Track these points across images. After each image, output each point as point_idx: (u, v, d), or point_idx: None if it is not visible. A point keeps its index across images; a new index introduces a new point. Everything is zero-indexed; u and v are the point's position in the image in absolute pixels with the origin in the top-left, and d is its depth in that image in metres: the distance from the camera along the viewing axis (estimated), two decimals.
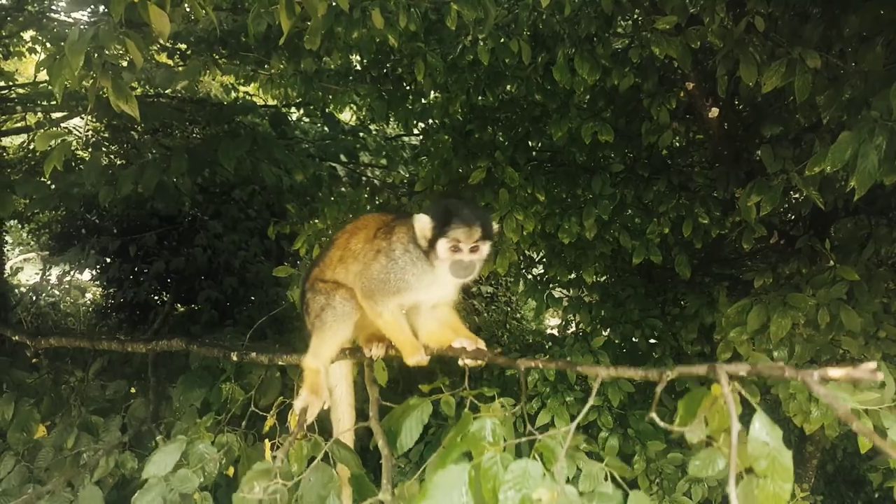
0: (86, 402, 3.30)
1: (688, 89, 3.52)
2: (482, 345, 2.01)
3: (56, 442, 3.03)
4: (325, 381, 2.14)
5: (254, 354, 2.66)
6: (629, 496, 1.45)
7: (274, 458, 1.83)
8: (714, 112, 3.51)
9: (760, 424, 1.30)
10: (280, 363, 2.63)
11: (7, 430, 3.13)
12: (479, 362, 2.00)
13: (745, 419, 1.31)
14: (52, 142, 2.46)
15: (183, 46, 5.55)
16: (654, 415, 1.46)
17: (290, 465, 1.82)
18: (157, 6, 2.12)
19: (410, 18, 3.01)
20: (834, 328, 3.00)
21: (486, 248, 1.94)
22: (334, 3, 2.82)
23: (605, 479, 1.58)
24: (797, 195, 4.16)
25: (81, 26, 2.22)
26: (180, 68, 5.44)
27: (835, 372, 1.32)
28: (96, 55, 2.17)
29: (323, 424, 2.10)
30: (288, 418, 2.14)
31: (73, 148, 2.71)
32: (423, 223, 1.95)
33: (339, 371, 2.23)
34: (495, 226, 2.02)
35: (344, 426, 2.19)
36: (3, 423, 3.15)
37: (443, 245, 1.91)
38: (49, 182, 4.60)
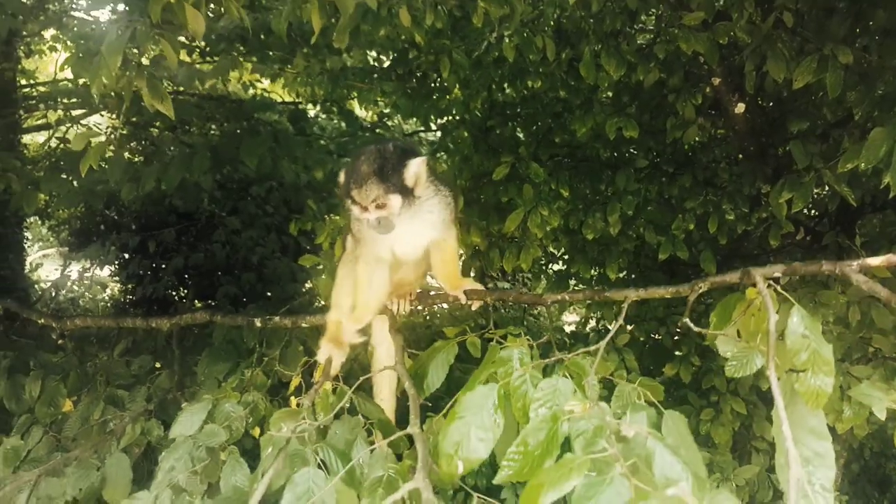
0: (111, 379, 3.31)
1: (714, 85, 3.50)
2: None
3: (83, 414, 3.05)
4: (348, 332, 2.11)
5: (277, 319, 2.65)
6: (664, 415, 1.38)
7: (299, 405, 1.85)
8: (740, 107, 3.49)
9: (799, 318, 1.27)
10: (304, 325, 2.61)
11: (34, 406, 3.17)
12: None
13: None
14: (88, 141, 2.48)
15: (202, 44, 5.57)
16: (686, 320, 1.45)
17: (316, 413, 1.81)
18: (193, 6, 2.13)
19: (437, 16, 3.01)
20: (865, 325, 2.98)
21: (395, 200, 1.81)
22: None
23: (638, 398, 1.51)
24: (818, 190, 4.13)
25: (112, 25, 2.23)
26: (199, 66, 5.47)
27: (874, 260, 1.31)
28: (134, 57, 2.18)
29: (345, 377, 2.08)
30: (313, 377, 2.12)
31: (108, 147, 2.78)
32: (340, 181, 1.90)
33: (380, 332, 2.23)
34: (417, 167, 1.83)
35: (383, 388, 2.17)
36: (31, 401, 3.18)
37: (350, 205, 1.86)
38: (72, 179, 4.65)
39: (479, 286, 2.10)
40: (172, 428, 2.02)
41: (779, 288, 1.38)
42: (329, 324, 2.15)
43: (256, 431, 2.20)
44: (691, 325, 1.39)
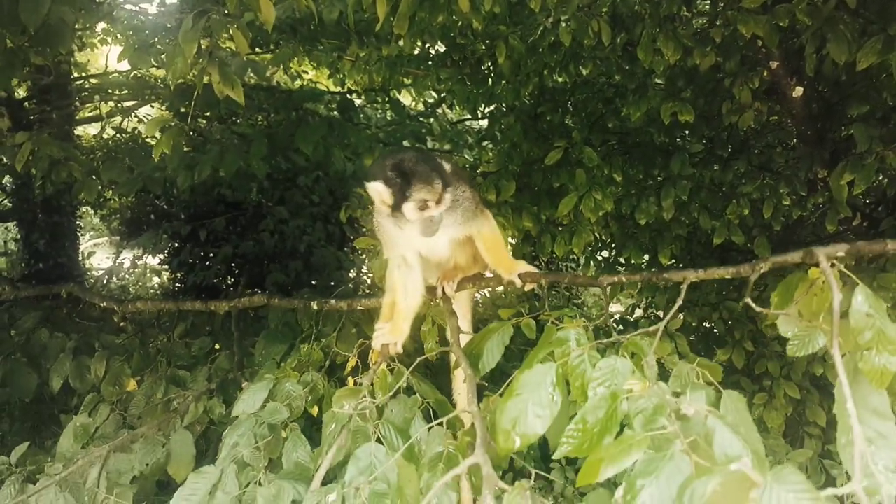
0: (172, 360, 3.41)
1: (771, 68, 3.45)
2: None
3: (146, 393, 3.15)
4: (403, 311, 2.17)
5: (332, 301, 2.72)
6: (723, 395, 1.37)
7: (357, 384, 1.90)
8: (799, 91, 3.45)
9: (863, 297, 1.27)
10: (359, 307, 2.68)
11: (100, 385, 3.28)
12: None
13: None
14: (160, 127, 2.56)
15: (250, 34, 5.66)
16: (748, 299, 1.45)
17: (374, 392, 1.86)
18: None
19: (495, 1, 3.03)
20: None
21: (448, 196, 1.91)
22: None
23: (697, 378, 1.50)
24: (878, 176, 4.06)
25: (187, 15, 2.30)
26: (249, 56, 5.56)
27: None
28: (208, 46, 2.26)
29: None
30: (369, 357, 2.17)
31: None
32: (378, 191, 1.92)
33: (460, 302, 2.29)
34: (451, 168, 1.96)
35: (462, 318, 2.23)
36: (95, 380, 3.30)
37: (410, 208, 1.90)
38: (131, 167, 4.79)
39: (532, 269, 2.12)
40: (235, 406, 2.10)
41: (842, 268, 1.37)
42: (384, 307, 2.22)
43: (315, 410, 2.27)
44: (752, 304, 1.39)
